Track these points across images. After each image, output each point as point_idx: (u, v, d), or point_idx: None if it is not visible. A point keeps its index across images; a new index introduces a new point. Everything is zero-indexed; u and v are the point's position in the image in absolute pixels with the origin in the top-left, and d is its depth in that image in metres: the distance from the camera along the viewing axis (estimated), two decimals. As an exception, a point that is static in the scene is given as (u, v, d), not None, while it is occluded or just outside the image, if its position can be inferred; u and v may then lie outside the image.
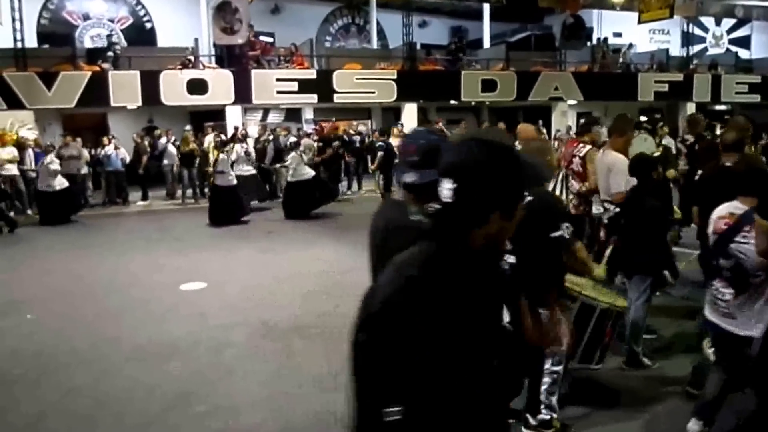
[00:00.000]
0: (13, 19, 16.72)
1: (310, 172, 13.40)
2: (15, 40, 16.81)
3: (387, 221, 2.44)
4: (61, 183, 13.16)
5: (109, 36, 20.58)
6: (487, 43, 25.85)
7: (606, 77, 22.08)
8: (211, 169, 13.18)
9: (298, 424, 4.17)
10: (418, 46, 21.12)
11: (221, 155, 12.73)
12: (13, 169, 13.69)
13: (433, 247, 1.56)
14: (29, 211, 13.89)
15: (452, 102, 20.92)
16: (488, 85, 20.29)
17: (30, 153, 14.55)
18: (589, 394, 4.46)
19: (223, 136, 14.41)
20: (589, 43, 23.41)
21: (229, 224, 12.26)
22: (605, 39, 23.85)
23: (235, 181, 12.84)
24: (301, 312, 6.61)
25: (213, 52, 19.91)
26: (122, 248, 10.35)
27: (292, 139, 14.76)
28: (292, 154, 13.44)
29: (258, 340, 5.79)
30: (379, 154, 14.81)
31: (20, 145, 14.36)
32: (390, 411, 1.44)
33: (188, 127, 17.08)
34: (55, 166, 13.17)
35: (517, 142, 6.29)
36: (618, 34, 26.22)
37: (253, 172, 14.39)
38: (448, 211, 1.54)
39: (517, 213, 1.58)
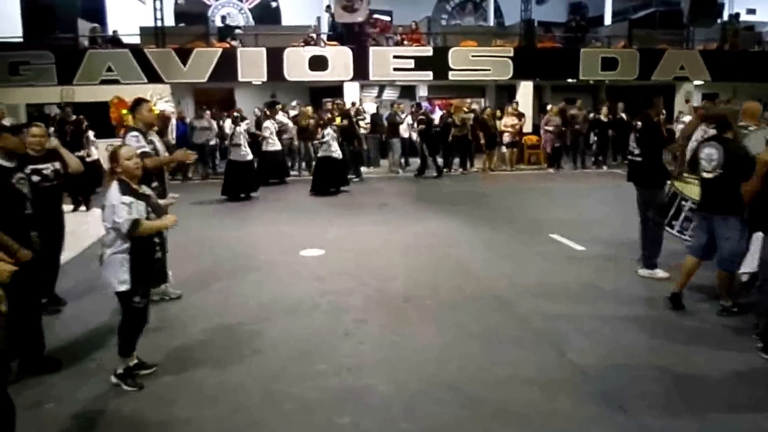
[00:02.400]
0: (154, 0, 17.99)
1: (337, 152, 13.55)
2: (155, 19, 18.13)
3: None
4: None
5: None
6: (608, 20, 24.88)
7: (738, 56, 20.61)
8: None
9: (412, 389, 4.39)
10: (536, 24, 20.72)
11: (237, 128, 13.15)
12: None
13: None
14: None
15: (569, 80, 20.40)
16: (608, 64, 19.61)
17: (173, 123, 15.71)
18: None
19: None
20: (719, 20, 21.98)
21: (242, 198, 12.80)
22: (737, 15, 22.27)
23: (249, 157, 13.15)
24: (414, 283, 6.89)
25: (333, 30, 20.44)
26: (246, 216, 11.11)
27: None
28: (328, 130, 13.68)
29: (373, 307, 6.11)
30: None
31: (162, 118, 15.52)
32: None
33: (294, 102, 17.86)
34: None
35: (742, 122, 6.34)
36: (752, 11, 24.41)
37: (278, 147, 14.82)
38: None
39: None
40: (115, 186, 4.25)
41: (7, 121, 13.98)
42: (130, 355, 4.53)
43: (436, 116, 18.17)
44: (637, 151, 6.96)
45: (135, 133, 5.88)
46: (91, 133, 12.80)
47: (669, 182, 7.36)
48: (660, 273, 6.90)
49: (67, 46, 18.64)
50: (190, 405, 4.23)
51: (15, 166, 4.65)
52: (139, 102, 6.15)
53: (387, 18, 21.67)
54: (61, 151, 5.88)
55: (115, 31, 19.64)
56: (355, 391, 4.37)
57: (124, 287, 4.27)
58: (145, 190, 4.49)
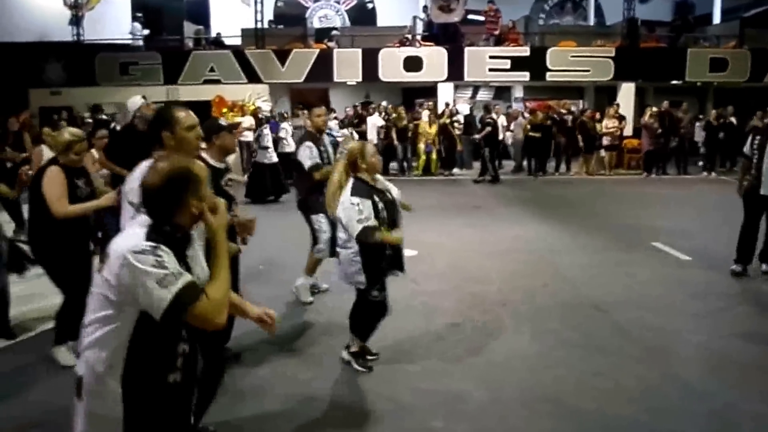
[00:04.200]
0: (256, 2, 18.57)
1: (272, 158, 13.06)
2: (256, 21, 18.70)
3: None
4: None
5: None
6: (717, 19, 23.55)
7: None
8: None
9: (506, 397, 4.26)
10: (639, 23, 19.84)
11: (264, 130, 13.09)
12: (249, 136, 15.27)
13: None
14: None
15: (674, 82, 19.42)
16: (717, 64, 18.53)
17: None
18: None
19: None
20: None
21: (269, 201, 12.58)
22: None
23: (275, 158, 12.98)
24: (509, 288, 6.72)
25: (428, 31, 20.41)
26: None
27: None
28: (344, 131, 13.44)
29: (466, 311, 5.99)
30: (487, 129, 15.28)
31: (256, 116, 16.01)
32: None
33: (384, 103, 17.92)
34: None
35: None
36: None
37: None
38: None
39: None
40: (351, 183, 4.29)
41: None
42: (366, 340, 4.67)
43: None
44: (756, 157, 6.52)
45: (309, 143, 5.89)
46: None
47: None
48: None
49: (173, 47, 19.57)
50: (286, 398, 4.26)
51: (225, 167, 4.47)
52: (311, 107, 6.21)
53: (482, 18, 21.37)
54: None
55: (218, 33, 20.45)
56: (448, 396, 4.28)
57: (360, 285, 4.39)
58: (381, 184, 4.47)
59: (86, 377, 2.11)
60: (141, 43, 19.60)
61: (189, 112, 3.39)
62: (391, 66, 18.16)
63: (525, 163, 17.05)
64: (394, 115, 16.76)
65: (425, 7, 20.11)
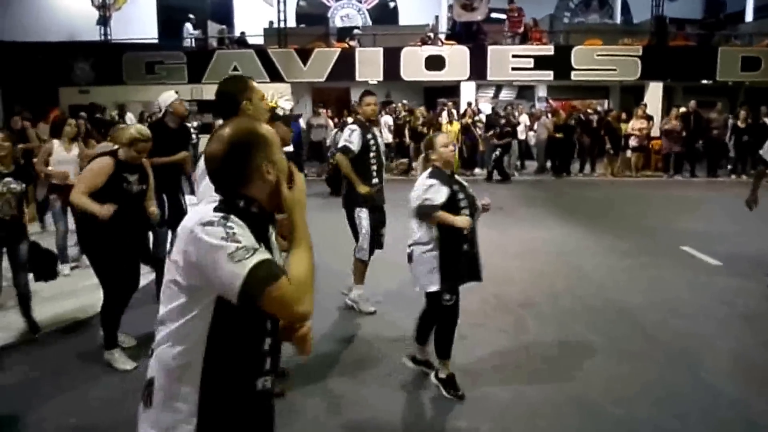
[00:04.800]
0: (278, 2, 18.63)
1: None
2: (278, 20, 18.76)
3: None
4: None
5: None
6: (749, 16, 23.08)
7: None
8: None
9: (531, 398, 4.21)
10: (667, 21, 19.52)
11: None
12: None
13: None
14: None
15: (704, 82, 19.07)
16: (750, 63, 18.13)
17: (286, 121, 16.19)
18: None
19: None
20: None
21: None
22: None
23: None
24: (532, 289, 6.62)
25: (451, 29, 20.31)
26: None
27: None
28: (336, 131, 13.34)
29: (490, 312, 5.91)
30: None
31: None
32: None
33: (404, 101, 17.82)
34: None
35: None
36: None
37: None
38: None
39: None
40: (425, 173, 4.20)
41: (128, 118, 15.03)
42: (448, 357, 4.27)
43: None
44: None
45: (354, 127, 5.78)
46: None
47: None
48: None
49: (197, 46, 19.71)
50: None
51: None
52: (363, 95, 6.06)
53: (504, 16, 21.23)
54: None
55: (242, 33, 20.54)
56: (472, 396, 4.21)
57: (434, 287, 4.14)
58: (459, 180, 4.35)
59: (158, 380, 1.78)
60: (191, 43, 19.76)
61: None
62: (412, 65, 18.09)
63: (548, 163, 16.88)
64: (403, 113, 16.72)
65: (450, 6, 19.99)
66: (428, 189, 4.04)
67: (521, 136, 16.89)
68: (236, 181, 1.79)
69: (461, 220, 4.02)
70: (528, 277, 7.10)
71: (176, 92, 6.58)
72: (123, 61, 18.63)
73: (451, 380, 4.21)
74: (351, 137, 5.71)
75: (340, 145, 5.82)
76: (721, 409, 4.06)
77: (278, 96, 17.04)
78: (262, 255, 1.67)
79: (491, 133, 15.86)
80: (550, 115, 16.83)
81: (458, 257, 4.13)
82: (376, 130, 5.99)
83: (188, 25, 20.36)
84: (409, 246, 4.28)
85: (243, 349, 1.79)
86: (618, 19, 24.41)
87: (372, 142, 5.78)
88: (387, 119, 16.78)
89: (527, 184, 15.11)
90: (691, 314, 5.86)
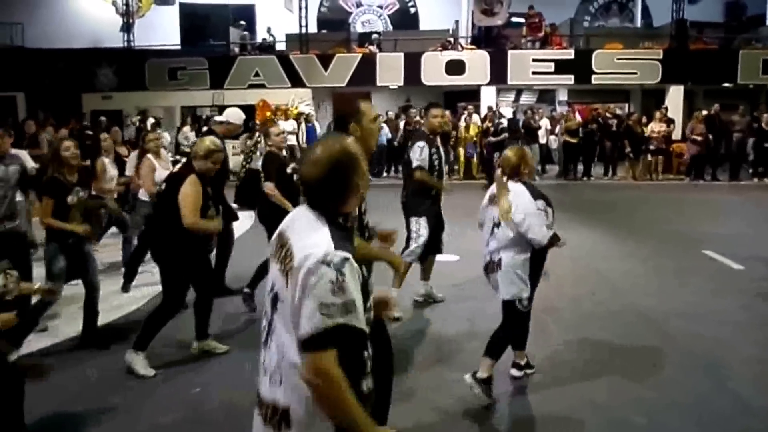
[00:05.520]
0: (300, 8, 18.79)
1: None
2: (300, 26, 18.93)
3: None
4: None
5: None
6: (771, 19, 22.84)
7: None
8: None
9: (551, 405, 4.24)
10: (688, 24, 19.39)
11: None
12: (292, 140, 15.44)
13: None
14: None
15: (725, 85, 18.92)
16: (771, 66, 17.97)
17: (303, 127, 16.35)
18: None
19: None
20: None
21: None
22: None
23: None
24: (554, 294, 6.59)
25: (470, 34, 20.33)
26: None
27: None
28: None
29: (511, 317, 5.95)
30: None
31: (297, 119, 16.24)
32: None
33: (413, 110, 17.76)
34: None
35: None
36: None
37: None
38: None
39: None
40: (522, 188, 4.14)
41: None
42: (524, 347, 4.51)
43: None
44: None
45: (422, 144, 5.84)
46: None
47: None
48: None
49: (219, 52, 19.93)
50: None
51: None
52: (429, 106, 6.11)
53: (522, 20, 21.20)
54: None
55: (264, 39, 20.72)
56: (493, 402, 4.23)
57: (526, 293, 4.16)
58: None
59: (295, 409, 1.84)
60: (235, 49, 19.87)
61: (371, 103, 3.49)
62: (433, 70, 18.16)
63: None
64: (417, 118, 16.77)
65: (474, 12, 20.02)
66: (545, 214, 4.09)
67: (542, 140, 16.86)
68: (336, 200, 1.90)
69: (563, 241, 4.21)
70: (549, 282, 7.10)
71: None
72: (146, 67, 18.87)
73: (488, 383, 4.21)
74: (422, 155, 5.81)
75: (414, 164, 5.86)
76: (747, 417, 4.05)
77: (299, 101, 17.24)
78: (347, 319, 1.74)
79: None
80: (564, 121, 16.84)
81: (543, 260, 4.23)
82: (438, 140, 6.09)
83: (234, 29, 20.48)
84: (493, 253, 4.29)
85: (357, 361, 1.87)
86: (638, 22, 24.26)
87: (435, 156, 5.95)
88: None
89: (548, 188, 14.78)
90: (714, 319, 5.84)
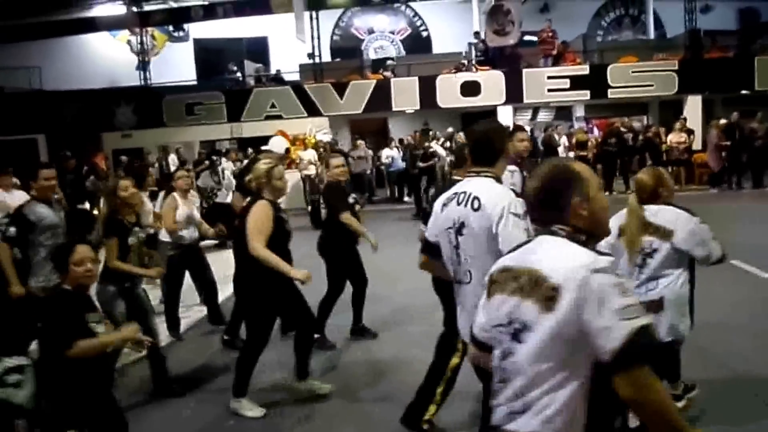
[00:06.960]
0: (312, 38, 19.01)
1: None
2: (313, 55, 19.14)
3: None
4: None
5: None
6: (787, 25, 22.61)
7: None
8: None
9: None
10: (701, 33, 19.29)
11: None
12: (312, 170, 15.41)
13: None
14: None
15: (743, 92, 18.71)
16: (789, 72, 17.73)
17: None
18: None
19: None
20: None
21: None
22: None
23: None
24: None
25: (482, 55, 20.37)
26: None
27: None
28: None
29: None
30: None
31: (316, 149, 16.25)
32: None
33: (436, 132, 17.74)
34: None
35: None
36: None
37: None
38: None
39: None
40: (671, 208, 3.90)
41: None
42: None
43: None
44: None
45: (514, 168, 5.38)
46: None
47: None
48: None
49: (235, 86, 20.19)
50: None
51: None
52: (514, 130, 5.68)
53: (535, 38, 21.23)
54: None
55: (278, 70, 20.97)
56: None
57: (687, 331, 3.86)
58: None
59: None
60: (250, 82, 20.25)
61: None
62: (448, 92, 18.19)
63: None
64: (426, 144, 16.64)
65: (476, 33, 20.10)
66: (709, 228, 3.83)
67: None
68: (561, 212, 1.87)
69: None
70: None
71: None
72: (163, 104, 19.13)
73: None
74: (513, 179, 5.31)
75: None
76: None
77: (316, 130, 17.34)
78: (649, 318, 1.65)
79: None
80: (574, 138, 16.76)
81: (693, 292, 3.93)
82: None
83: (249, 63, 20.83)
84: (653, 290, 3.77)
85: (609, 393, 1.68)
86: (651, 34, 24.18)
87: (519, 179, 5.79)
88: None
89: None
90: (747, 332, 5.68)
